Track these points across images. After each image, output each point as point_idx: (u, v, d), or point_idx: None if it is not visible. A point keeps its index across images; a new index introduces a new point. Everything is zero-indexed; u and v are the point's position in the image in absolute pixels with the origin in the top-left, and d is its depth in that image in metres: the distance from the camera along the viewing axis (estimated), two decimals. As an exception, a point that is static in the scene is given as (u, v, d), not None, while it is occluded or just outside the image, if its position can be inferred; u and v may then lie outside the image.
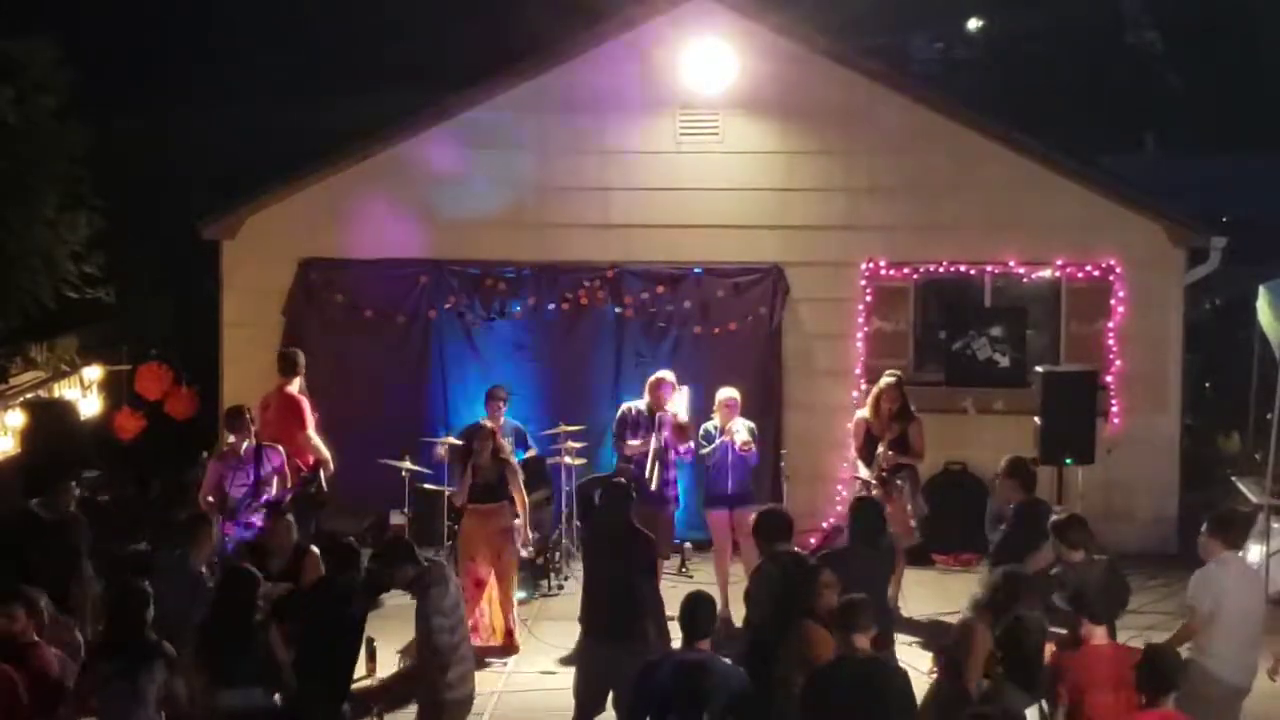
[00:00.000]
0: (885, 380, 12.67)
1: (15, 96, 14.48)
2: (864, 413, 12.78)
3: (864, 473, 12.58)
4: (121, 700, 8.05)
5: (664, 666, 7.84)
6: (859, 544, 9.57)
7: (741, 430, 12.19)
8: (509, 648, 11.72)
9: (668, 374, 12.67)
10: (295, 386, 12.79)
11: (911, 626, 11.89)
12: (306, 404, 12.71)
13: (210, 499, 11.72)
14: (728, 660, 8.12)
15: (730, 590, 11.94)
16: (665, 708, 7.62)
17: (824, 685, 7.69)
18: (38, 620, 8.37)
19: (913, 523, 12.36)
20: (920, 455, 12.61)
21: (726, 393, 12.42)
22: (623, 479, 10.64)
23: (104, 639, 8.42)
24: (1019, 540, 9.92)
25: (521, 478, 12.01)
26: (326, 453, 12.59)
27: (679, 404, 12.54)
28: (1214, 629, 8.78)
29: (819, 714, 7.62)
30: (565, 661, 11.06)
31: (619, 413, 12.68)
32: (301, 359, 13.03)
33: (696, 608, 7.95)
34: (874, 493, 12.17)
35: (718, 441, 12.19)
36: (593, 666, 9.42)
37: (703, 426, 12.42)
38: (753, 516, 9.73)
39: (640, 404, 12.57)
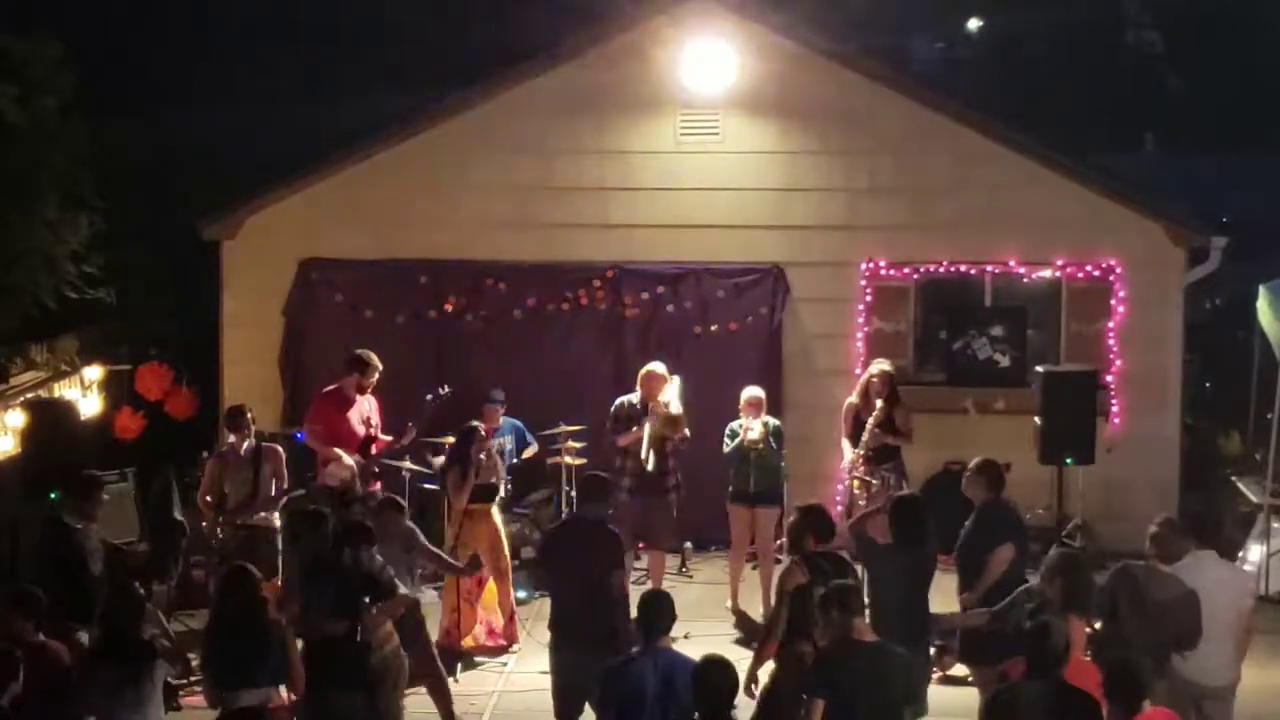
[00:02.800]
0: (876, 367, 12.75)
1: (18, 95, 14.47)
2: (854, 399, 12.87)
3: (849, 452, 12.61)
4: (130, 705, 8.04)
5: (640, 665, 7.78)
6: (900, 543, 9.46)
7: (755, 428, 12.24)
8: (509, 645, 11.74)
9: (658, 366, 12.72)
10: (350, 386, 12.70)
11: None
12: (342, 408, 12.61)
13: (209, 498, 11.72)
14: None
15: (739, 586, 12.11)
16: (642, 705, 7.59)
17: (829, 669, 7.70)
18: (37, 618, 8.35)
19: None
20: (908, 436, 12.66)
21: (750, 391, 12.52)
22: (600, 473, 10.58)
23: (102, 642, 8.40)
24: (980, 540, 9.85)
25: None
26: (332, 453, 12.36)
27: (670, 395, 12.57)
28: None
29: (824, 695, 7.60)
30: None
31: (613, 408, 12.70)
32: (362, 361, 12.69)
33: (656, 605, 7.90)
34: (859, 472, 12.34)
35: (739, 439, 12.27)
36: (573, 677, 9.26)
37: (729, 425, 12.52)
38: (774, 515, 9.68)
39: (634, 397, 12.63)
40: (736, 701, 7.29)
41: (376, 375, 12.72)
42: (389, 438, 12.72)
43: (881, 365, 12.81)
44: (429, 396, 12.64)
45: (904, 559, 9.21)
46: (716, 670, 7.26)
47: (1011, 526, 9.87)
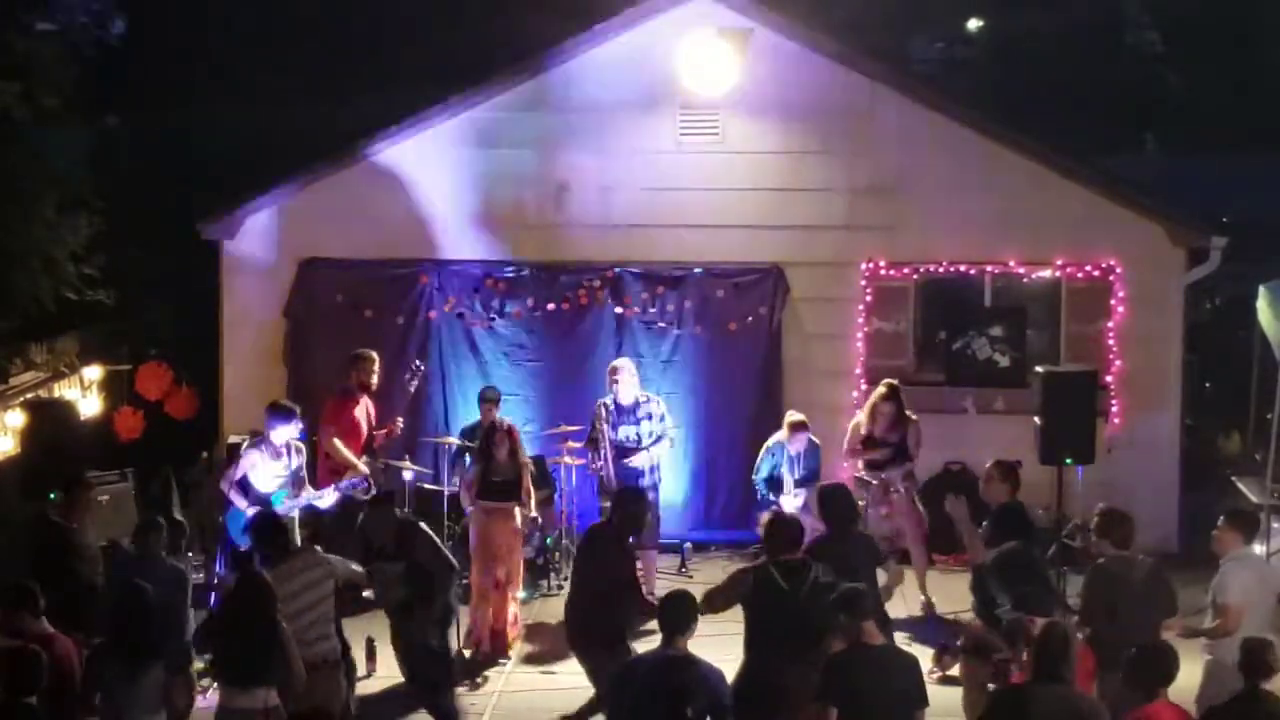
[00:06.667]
0: (879, 390, 12.76)
1: (21, 92, 14.47)
2: (861, 417, 12.86)
3: (860, 468, 12.66)
4: (123, 701, 8.07)
5: (645, 663, 7.87)
6: (834, 533, 9.60)
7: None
8: (504, 649, 11.70)
9: (619, 361, 13.05)
10: (354, 385, 12.88)
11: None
12: (352, 406, 12.75)
13: (230, 486, 11.66)
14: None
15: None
16: (644, 703, 7.64)
17: (840, 674, 7.74)
18: (36, 609, 8.38)
19: (925, 517, 12.45)
20: (914, 458, 12.74)
21: (795, 417, 12.66)
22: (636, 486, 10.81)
23: (106, 640, 8.43)
24: (999, 539, 9.87)
25: (531, 473, 12.21)
26: (348, 459, 12.52)
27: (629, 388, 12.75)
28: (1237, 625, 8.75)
29: (837, 702, 7.65)
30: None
31: (593, 415, 12.84)
32: (360, 358, 12.96)
33: (675, 605, 7.97)
34: (873, 492, 12.38)
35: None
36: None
37: (768, 446, 12.72)
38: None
39: (608, 398, 12.76)
40: None
41: (375, 371, 12.93)
42: (382, 431, 12.90)
43: (883, 388, 12.77)
44: (406, 376, 12.75)
45: (838, 548, 9.27)
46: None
47: (1027, 531, 9.83)
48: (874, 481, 12.54)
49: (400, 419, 12.88)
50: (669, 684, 7.54)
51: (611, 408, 12.75)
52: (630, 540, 9.82)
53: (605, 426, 12.67)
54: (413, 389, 13.04)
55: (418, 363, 13.37)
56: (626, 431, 12.72)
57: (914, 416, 12.77)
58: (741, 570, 8.95)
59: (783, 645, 8.45)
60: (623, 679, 7.92)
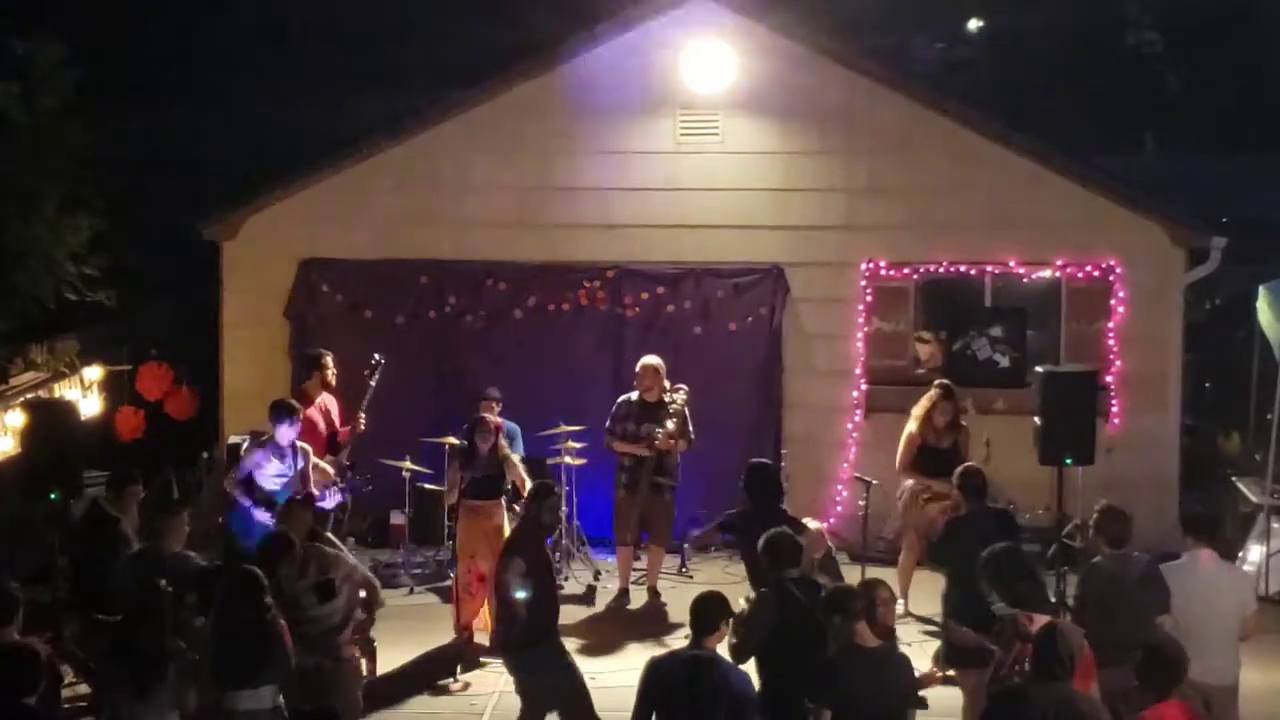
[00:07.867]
0: (934, 392, 12.58)
1: (21, 93, 14.47)
2: (913, 426, 12.58)
3: (908, 483, 12.52)
4: (128, 701, 8.06)
5: (671, 662, 7.88)
6: (755, 506, 9.74)
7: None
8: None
9: (652, 359, 12.89)
10: (315, 387, 12.85)
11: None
12: (309, 406, 12.64)
13: (235, 485, 11.65)
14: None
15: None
16: (669, 703, 7.66)
17: (833, 675, 7.74)
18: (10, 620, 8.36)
19: None
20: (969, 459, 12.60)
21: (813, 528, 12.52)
22: (548, 480, 10.73)
23: (117, 639, 8.41)
24: (949, 547, 9.85)
25: (522, 468, 12.10)
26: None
27: (677, 404, 12.62)
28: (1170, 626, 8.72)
29: (830, 704, 7.66)
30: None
31: (615, 407, 12.86)
32: (318, 359, 12.99)
33: (705, 606, 7.96)
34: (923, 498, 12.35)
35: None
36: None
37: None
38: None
39: (634, 395, 12.72)
40: None
41: (331, 369, 12.96)
42: (346, 429, 12.86)
43: (938, 389, 12.54)
44: (366, 372, 12.75)
45: (761, 521, 9.31)
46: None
47: (978, 535, 9.72)
48: (912, 483, 12.47)
49: (363, 415, 12.75)
50: (693, 685, 7.54)
51: (636, 405, 12.72)
52: (545, 533, 9.78)
53: (678, 400, 12.65)
54: (373, 383, 12.90)
55: (376, 356, 13.20)
56: (651, 429, 12.66)
57: (965, 420, 12.67)
58: (759, 595, 8.72)
59: (805, 658, 8.42)
60: (649, 679, 7.90)
